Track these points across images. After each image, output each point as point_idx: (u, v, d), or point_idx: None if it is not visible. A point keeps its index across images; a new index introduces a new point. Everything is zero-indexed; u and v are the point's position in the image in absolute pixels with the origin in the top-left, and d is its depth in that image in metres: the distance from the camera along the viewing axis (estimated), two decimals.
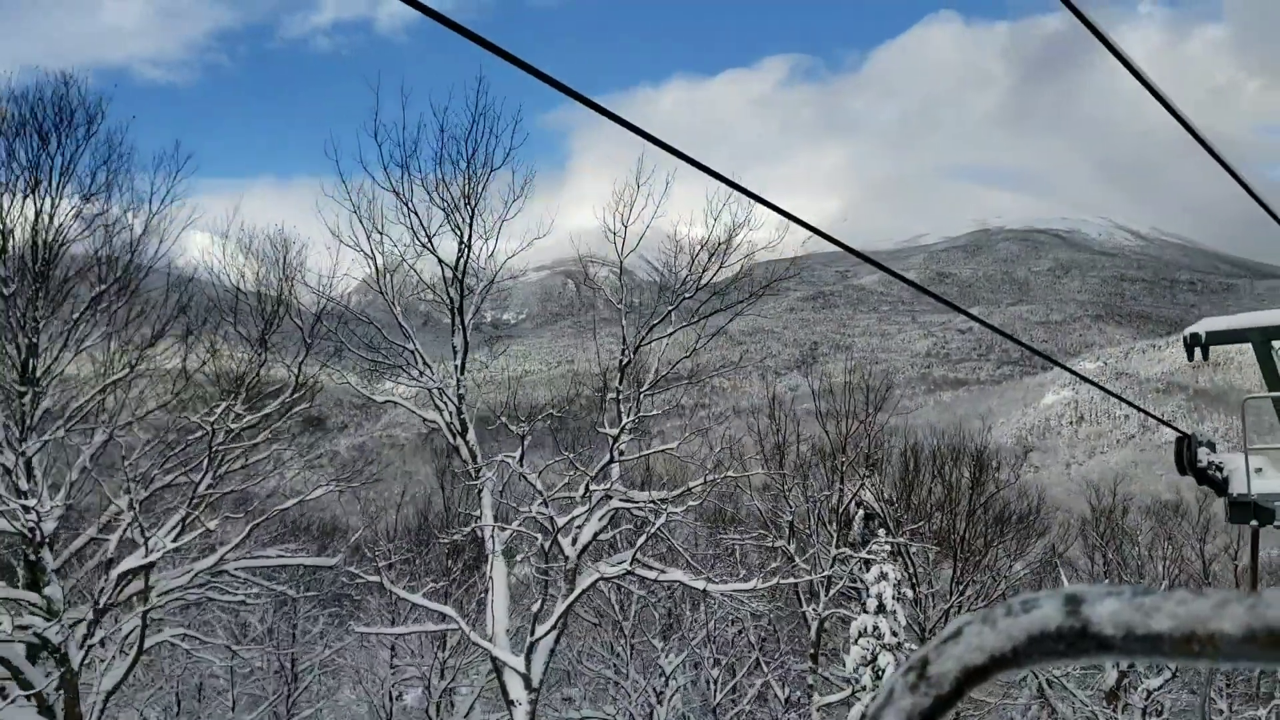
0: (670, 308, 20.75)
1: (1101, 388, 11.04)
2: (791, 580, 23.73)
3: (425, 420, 21.10)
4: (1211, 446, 13.51)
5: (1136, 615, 0.91)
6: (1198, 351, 13.94)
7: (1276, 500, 13.02)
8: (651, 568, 19.44)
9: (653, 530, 19.04)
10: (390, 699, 27.06)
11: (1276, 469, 13.94)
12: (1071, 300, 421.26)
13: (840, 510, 31.34)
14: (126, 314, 17.99)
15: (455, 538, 21.45)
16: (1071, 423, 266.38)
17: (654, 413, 21.05)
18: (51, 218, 16.51)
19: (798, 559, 29.51)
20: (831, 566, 29.63)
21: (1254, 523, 13.11)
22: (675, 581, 19.50)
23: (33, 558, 15.37)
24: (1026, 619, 0.94)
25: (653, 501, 19.70)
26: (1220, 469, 13.23)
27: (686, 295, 20.87)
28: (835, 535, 30.65)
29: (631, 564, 18.63)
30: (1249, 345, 14.67)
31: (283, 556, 19.66)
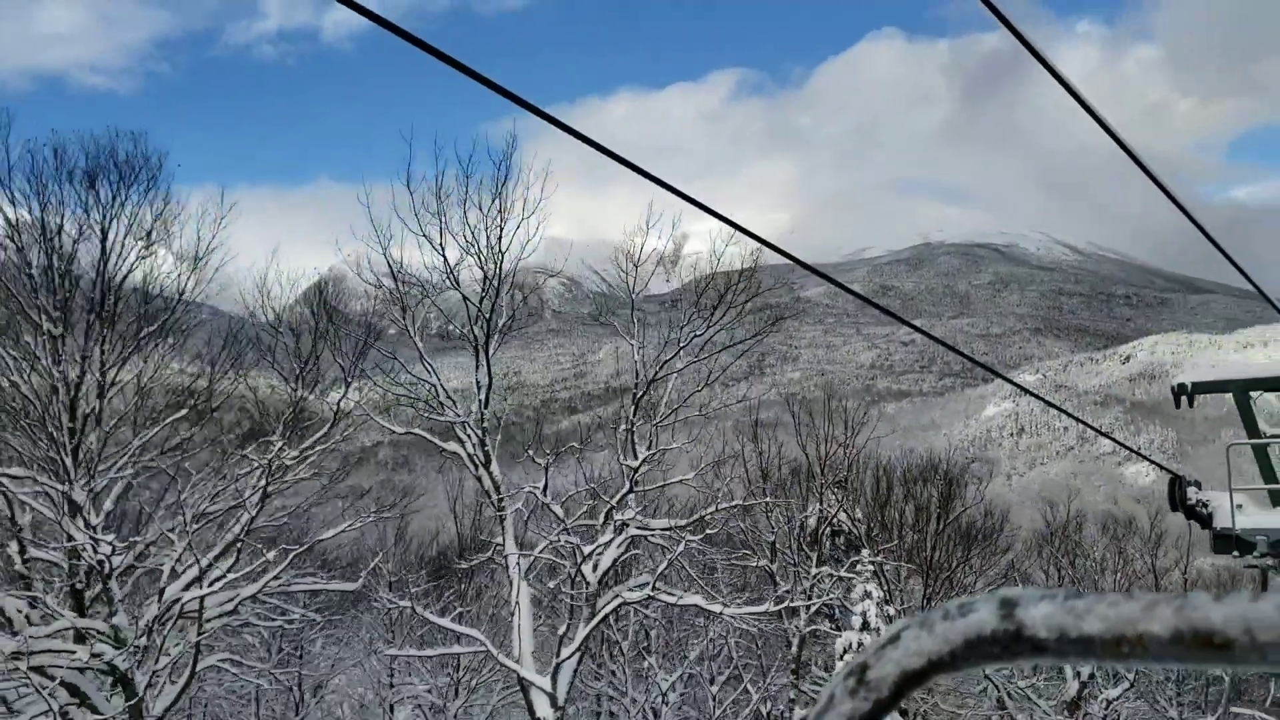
0: (681, 345, 22.02)
1: (1048, 402, 12.33)
2: (804, 602, 24.88)
3: (444, 451, 22.17)
4: (1198, 485, 15.06)
5: (1069, 618, 0.93)
6: (1184, 399, 15.49)
7: (1256, 534, 14.56)
8: (670, 592, 20.64)
9: (672, 558, 20.30)
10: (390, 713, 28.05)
11: (1256, 506, 15.54)
12: (1011, 314, 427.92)
13: (820, 530, 32.70)
14: (179, 352, 18.96)
15: (474, 563, 22.59)
16: (1012, 434, 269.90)
17: (673, 446, 22.26)
18: (115, 262, 17.50)
19: (779, 578, 30.83)
20: (812, 585, 30.95)
21: (1234, 553, 14.67)
22: (693, 605, 20.67)
23: (101, 588, 16.26)
24: (963, 623, 0.97)
25: (669, 530, 20.96)
26: (1206, 506, 14.78)
27: (696, 334, 22.18)
28: (815, 555, 31.99)
29: (653, 589, 19.84)
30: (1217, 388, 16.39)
31: (318, 582, 20.64)
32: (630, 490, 20.52)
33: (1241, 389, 15.60)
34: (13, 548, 16.76)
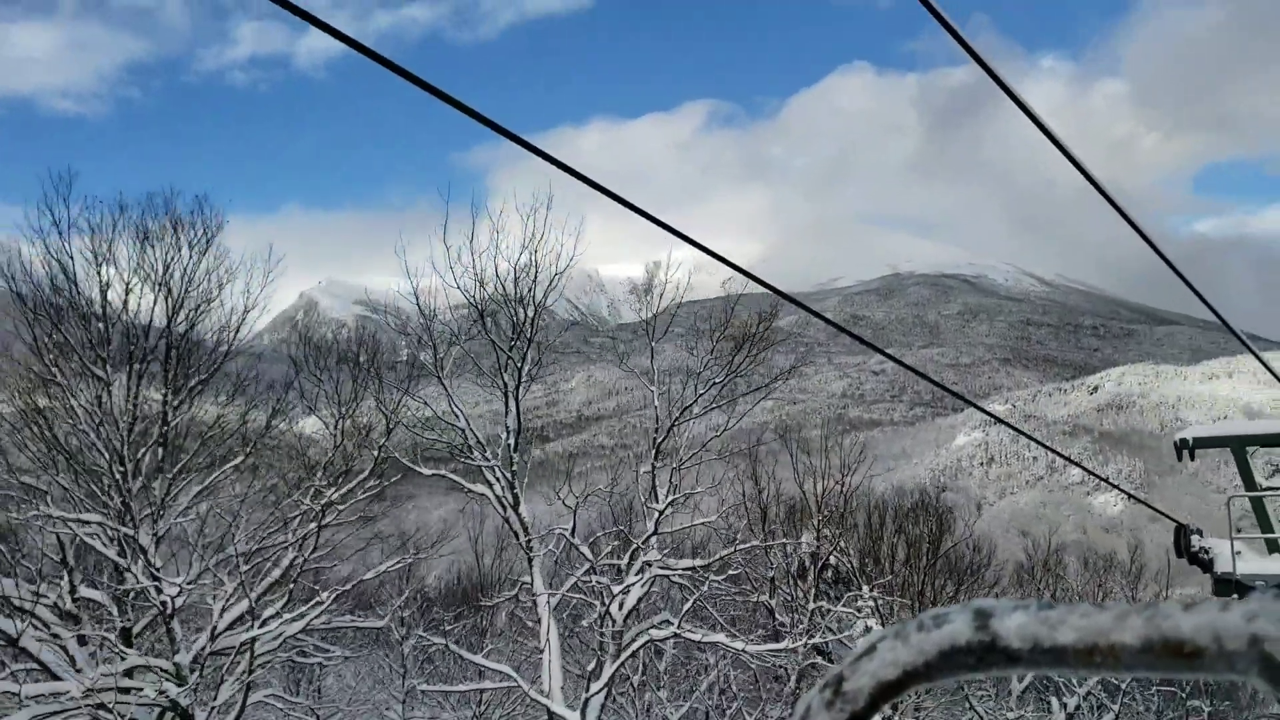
0: (701, 392, 23.08)
1: (1022, 432, 12.81)
2: (804, 639, 25.79)
3: (470, 492, 23.06)
4: (1200, 533, 16.21)
5: (1042, 629, 0.94)
6: (1186, 454, 16.68)
7: (1255, 579, 15.71)
8: (694, 630, 21.57)
9: (697, 598, 21.28)
10: None
11: (1254, 553, 16.72)
12: (980, 344, 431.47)
13: (819, 566, 33.70)
14: (236, 397, 19.88)
15: (500, 600, 23.51)
16: (982, 464, 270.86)
17: (698, 490, 23.27)
18: (178, 317, 18.42)
19: (778, 613, 31.82)
20: (810, 620, 31.90)
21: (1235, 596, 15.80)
22: (717, 642, 21.60)
23: (165, 628, 17.06)
24: (938, 634, 0.97)
25: (691, 569, 21.96)
26: (1207, 552, 15.94)
27: (716, 381, 23.24)
28: (813, 590, 32.97)
29: (679, 627, 20.77)
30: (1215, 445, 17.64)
31: (356, 620, 21.46)
32: (655, 532, 21.49)
33: (1239, 444, 16.79)
34: (64, 586, 17.54)
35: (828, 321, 7.49)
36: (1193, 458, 16.73)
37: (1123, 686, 34.53)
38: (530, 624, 28.76)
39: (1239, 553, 15.92)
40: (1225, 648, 0.87)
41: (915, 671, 0.98)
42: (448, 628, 21.44)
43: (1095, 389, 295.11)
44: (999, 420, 10.33)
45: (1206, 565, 16.06)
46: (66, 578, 18.27)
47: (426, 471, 23.37)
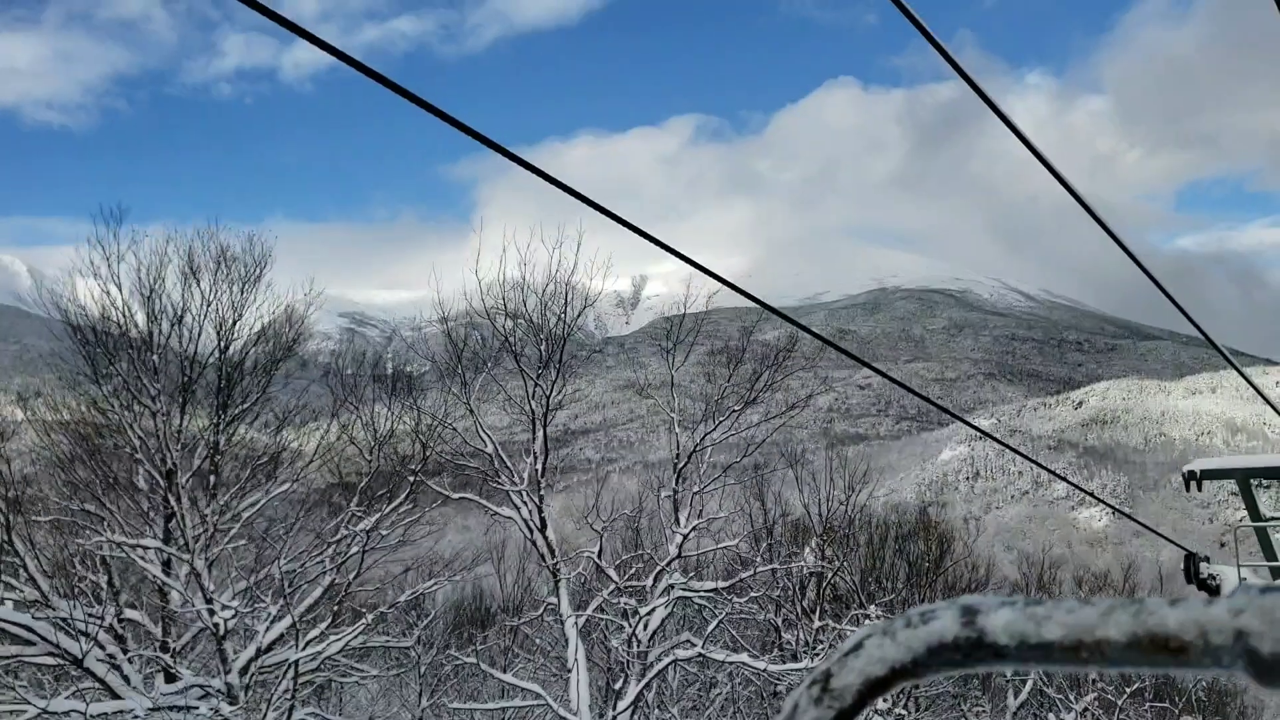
0: (721, 419, 23.92)
1: (1011, 448, 13.15)
2: (807, 658, 26.58)
3: (496, 515, 23.82)
4: (1207, 560, 17.13)
5: (1029, 625, 0.95)
6: (1194, 484, 17.63)
7: None
8: (717, 651, 22.36)
9: (719, 621, 22.12)
10: None
11: (1259, 580, 17.63)
12: (965, 358, 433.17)
13: (823, 586, 34.54)
14: (280, 429, 20.69)
15: (525, 621, 24.29)
16: (968, 478, 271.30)
17: (721, 515, 24.12)
18: (229, 348, 19.24)
19: (784, 631, 32.59)
20: (814, 638, 32.68)
21: None
22: (740, 663, 22.38)
23: (217, 649, 17.78)
24: (925, 630, 0.98)
25: (713, 591, 22.78)
26: (1215, 579, 16.86)
27: (734, 409, 24.09)
28: (817, 608, 33.78)
29: (704, 647, 21.56)
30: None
31: (389, 641, 22.17)
32: (679, 555, 22.30)
33: (1244, 476, 17.74)
34: (109, 611, 18.25)
35: (814, 335, 7.33)
36: (1200, 488, 17.64)
37: (1119, 704, 35.28)
38: (539, 642, 29.53)
39: (1244, 579, 16.83)
40: (1211, 643, 0.89)
41: (903, 668, 1.00)
42: (479, 646, 22.14)
43: (1080, 404, 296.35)
44: (985, 435, 10.34)
45: (1214, 591, 16.97)
46: (113, 600, 19.01)
47: (455, 495, 24.12)
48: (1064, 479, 12.38)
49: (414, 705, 26.37)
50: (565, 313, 23.10)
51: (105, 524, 18.32)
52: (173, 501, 17.71)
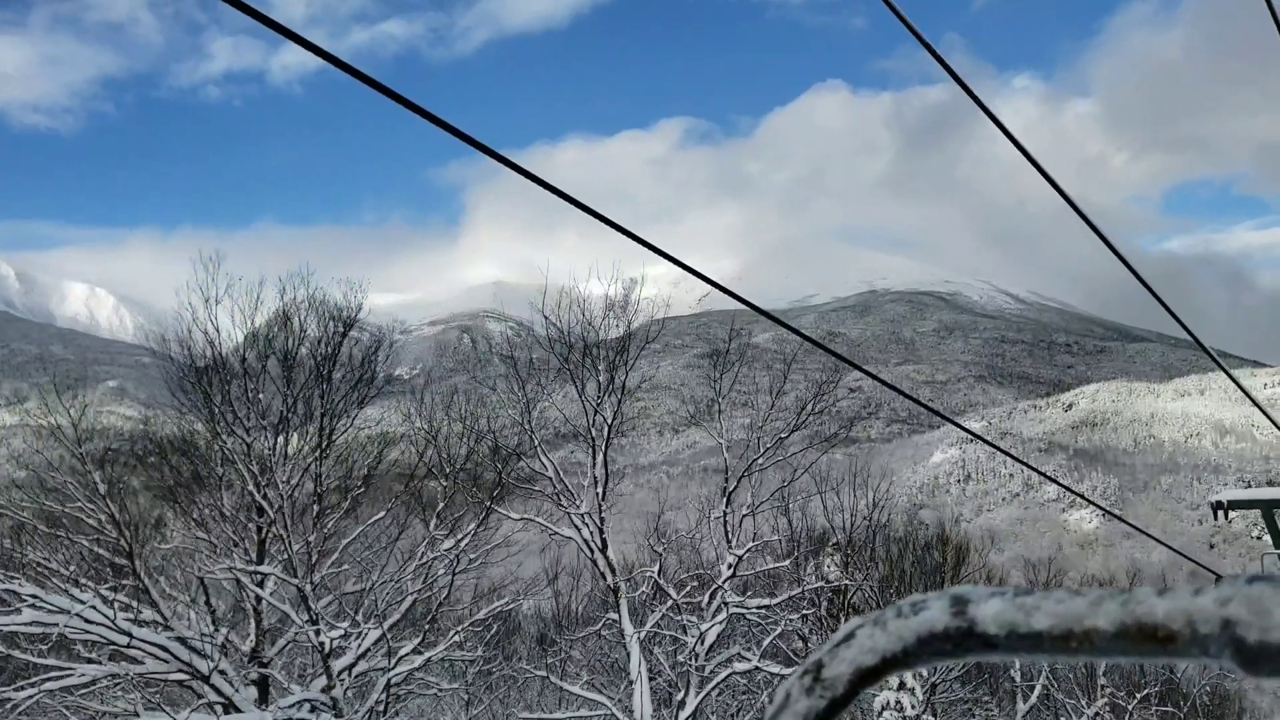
0: (769, 446, 25.51)
1: (1002, 450, 13.39)
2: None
3: (555, 534, 25.39)
4: None
5: (1019, 615, 0.96)
6: (1221, 513, 19.24)
7: None
8: (771, 664, 23.91)
9: (774, 637, 23.75)
10: None
11: None
12: (956, 361, 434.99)
13: (848, 597, 36.11)
14: (379, 457, 22.40)
15: (583, 634, 25.90)
16: (959, 481, 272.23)
17: (774, 537, 25.78)
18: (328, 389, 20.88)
19: (809, 641, 34.21)
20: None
21: None
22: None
23: (323, 666, 19.29)
24: (916, 620, 0.99)
25: (764, 607, 24.39)
26: None
27: (783, 436, 25.72)
28: (841, 616, 35.39)
29: (760, 661, 23.15)
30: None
31: (465, 654, 23.69)
32: (733, 575, 23.89)
33: (1268, 507, 19.33)
34: (223, 631, 19.81)
35: (805, 337, 7.30)
36: (1227, 517, 19.23)
37: (1129, 707, 36.90)
38: (578, 655, 31.09)
39: None
40: (1198, 632, 0.90)
41: (894, 658, 1.01)
42: (549, 660, 23.70)
43: (1070, 406, 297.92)
44: (976, 437, 10.22)
45: None
46: (215, 620, 20.61)
47: (516, 516, 25.68)
48: (1055, 481, 12.31)
49: (478, 714, 28.03)
50: (627, 346, 24.64)
51: (218, 550, 19.87)
52: (280, 530, 19.21)
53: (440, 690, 23.46)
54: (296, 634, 21.45)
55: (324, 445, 20.21)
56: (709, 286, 6.36)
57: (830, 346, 8.23)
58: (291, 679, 22.52)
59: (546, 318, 25.28)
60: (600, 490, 24.60)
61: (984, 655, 0.98)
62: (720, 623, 23.51)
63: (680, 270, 5.93)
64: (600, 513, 24.43)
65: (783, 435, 25.55)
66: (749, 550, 23.88)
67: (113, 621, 16.71)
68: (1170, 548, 14.80)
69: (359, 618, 20.44)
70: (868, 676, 1.01)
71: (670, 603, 23.85)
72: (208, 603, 21.49)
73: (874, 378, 8.26)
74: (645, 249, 5.54)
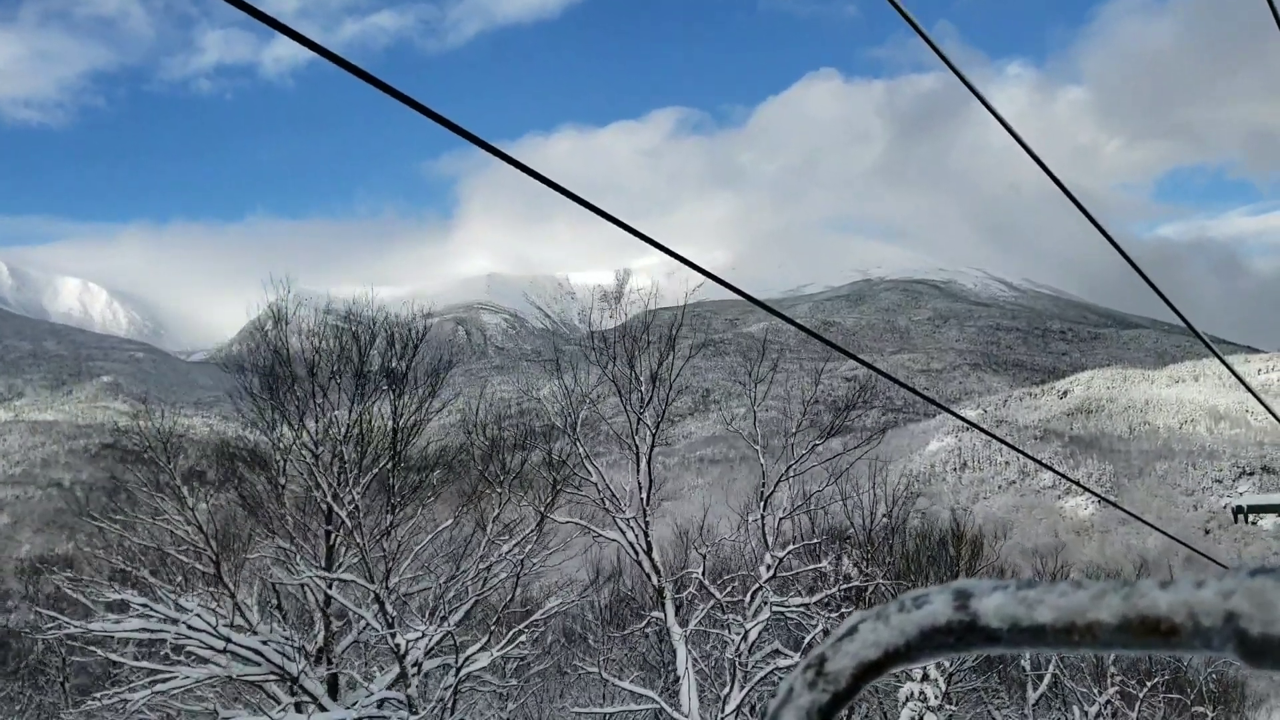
0: (805, 452, 26.79)
1: (998, 438, 13.19)
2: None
3: (599, 536, 26.66)
4: None
5: (1021, 608, 0.96)
6: (1241, 518, 20.53)
7: None
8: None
9: (814, 635, 25.05)
10: None
11: None
12: (950, 349, 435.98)
13: (867, 594, 37.42)
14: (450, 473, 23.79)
15: (629, 632, 27.23)
16: (955, 469, 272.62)
17: (814, 541, 27.09)
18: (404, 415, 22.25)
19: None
20: None
21: None
22: None
23: (399, 668, 20.54)
24: (918, 614, 1.00)
25: (803, 607, 25.67)
26: None
27: (818, 442, 27.00)
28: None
29: (800, 657, 24.36)
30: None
31: (524, 649, 25.00)
32: (773, 576, 25.16)
33: None
34: (308, 634, 21.12)
35: (799, 327, 7.24)
36: (1249, 520, 20.48)
37: (1140, 695, 38.10)
38: (599, 652, 32.32)
39: None
40: (1201, 624, 0.90)
41: (896, 651, 1.02)
42: (615, 658, 25.02)
43: (1065, 393, 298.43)
44: (972, 425, 10.03)
45: None
46: (282, 622, 21.90)
47: (562, 520, 26.93)
48: (1051, 468, 11.85)
49: (532, 709, 29.35)
50: (671, 361, 25.89)
51: (291, 557, 21.13)
52: (356, 538, 20.45)
53: (498, 687, 24.67)
54: (359, 634, 22.79)
55: (396, 456, 21.44)
56: (702, 277, 6.37)
57: (825, 336, 7.99)
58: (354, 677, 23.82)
59: (592, 332, 26.47)
60: (644, 496, 25.86)
61: (986, 648, 1.00)
62: (762, 622, 24.79)
63: (674, 261, 5.80)
64: (645, 518, 25.70)
65: (817, 442, 26.81)
66: (788, 553, 25.14)
67: (214, 628, 17.95)
68: (1166, 534, 14.54)
69: (424, 619, 21.71)
70: (870, 670, 1.03)
71: (713, 602, 25.14)
72: (279, 606, 22.81)
73: (869, 366, 8.36)
74: (638, 240, 5.54)
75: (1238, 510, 20.41)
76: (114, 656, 19.47)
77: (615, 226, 5.39)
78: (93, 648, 20.56)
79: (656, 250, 5.86)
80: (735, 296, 6.64)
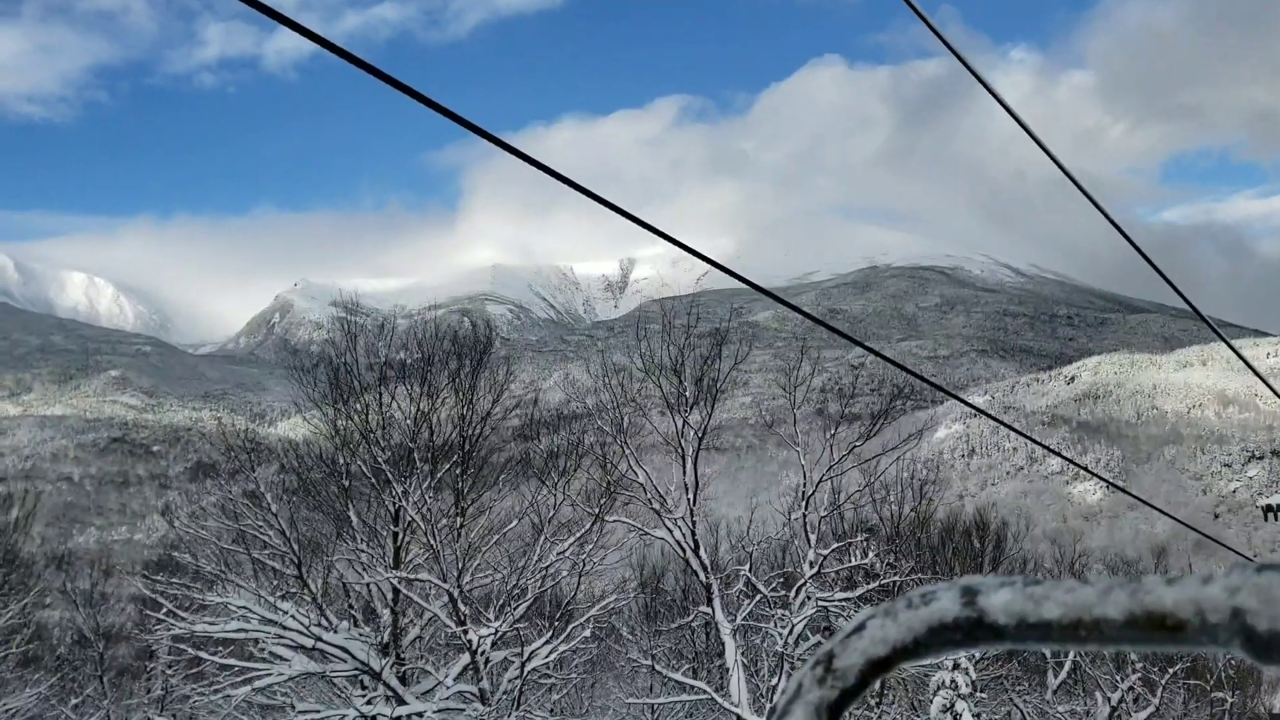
0: (844, 453, 27.84)
1: (1005, 424, 12.40)
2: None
3: (646, 535, 27.80)
4: None
5: (1028, 604, 0.97)
6: (1271, 516, 21.51)
7: None
8: None
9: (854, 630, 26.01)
10: None
11: None
12: (958, 335, 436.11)
13: (897, 587, 38.52)
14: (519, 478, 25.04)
15: (677, 626, 28.45)
16: (963, 456, 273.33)
17: (856, 539, 28.25)
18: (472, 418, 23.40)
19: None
20: None
21: None
22: None
23: (470, 662, 21.71)
24: (926, 611, 1.02)
25: (848, 600, 26.78)
26: None
27: (857, 444, 28.06)
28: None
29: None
30: None
31: (582, 646, 26.20)
32: (817, 572, 26.28)
33: None
34: (386, 631, 22.31)
35: (806, 315, 7.30)
36: (1278, 519, 21.49)
37: (1162, 682, 39.05)
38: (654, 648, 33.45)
39: None
40: (1208, 620, 0.91)
41: (904, 648, 1.03)
42: (655, 651, 26.19)
43: (1072, 379, 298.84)
44: (980, 412, 10.15)
45: None
46: (352, 622, 23.10)
47: (610, 519, 28.05)
48: (1058, 454, 12.09)
49: (574, 700, 30.54)
50: (719, 366, 27.00)
51: (362, 558, 22.29)
52: (431, 540, 21.59)
53: (556, 680, 25.83)
54: (422, 630, 23.99)
55: (465, 464, 22.59)
56: (707, 266, 6.28)
57: (831, 324, 8.20)
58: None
59: (643, 356, 27.58)
60: (691, 496, 26.98)
61: (994, 645, 1.02)
62: (807, 617, 25.92)
63: (678, 250, 5.84)
64: (692, 517, 26.83)
65: (857, 443, 27.90)
66: (832, 552, 26.26)
67: (306, 628, 19.11)
68: (1175, 519, 14.61)
69: (491, 615, 22.88)
70: (879, 667, 1.05)
71: (759, 597, 26.29)
72: (351, 605, 23.97)
73: (876, 354, 8.29)
74: (642, 229, 5.53)
75: (1268, 509, 21.38)
76: (206, 655, 20.58)
77: (619, 216, 5.40)
78: (180, 645, 21.75)
79: (661, 239, 5.87)
80: (740, 285, 6.63)
